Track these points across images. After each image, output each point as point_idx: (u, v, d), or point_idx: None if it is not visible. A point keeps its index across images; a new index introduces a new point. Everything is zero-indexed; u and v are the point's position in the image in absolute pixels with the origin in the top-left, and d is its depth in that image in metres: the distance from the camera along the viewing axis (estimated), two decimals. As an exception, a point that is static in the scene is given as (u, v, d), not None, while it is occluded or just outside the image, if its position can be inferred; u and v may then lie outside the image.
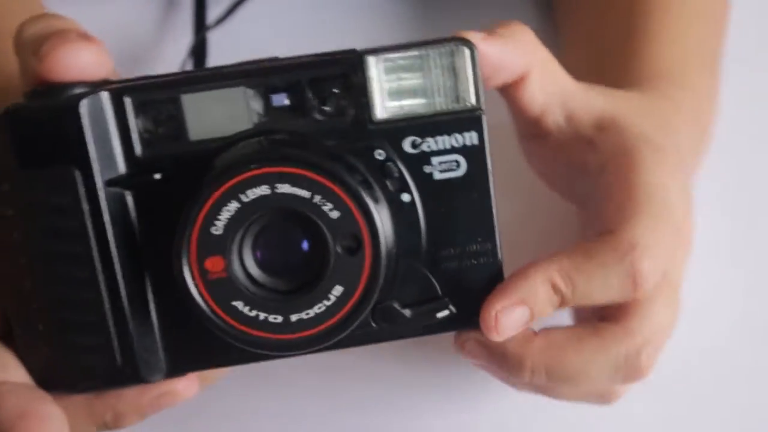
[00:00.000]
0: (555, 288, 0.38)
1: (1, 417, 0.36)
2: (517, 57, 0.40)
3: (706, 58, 0.51)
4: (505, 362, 0.40)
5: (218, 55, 0.58)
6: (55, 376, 0.38)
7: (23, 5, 0.54)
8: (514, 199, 0.44)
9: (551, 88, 0.42)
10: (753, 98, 0.53)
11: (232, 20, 0.59)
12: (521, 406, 0.47)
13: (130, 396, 0.38)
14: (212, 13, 0.59)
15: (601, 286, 0.39)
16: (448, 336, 0.41)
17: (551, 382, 0.40)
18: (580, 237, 0.45)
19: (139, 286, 0.38)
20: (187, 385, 0.39)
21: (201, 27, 0.59)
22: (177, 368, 0.39)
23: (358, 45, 0.38)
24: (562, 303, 0.39)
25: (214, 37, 0.59)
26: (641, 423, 0.45)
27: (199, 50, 0.58)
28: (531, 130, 0.43)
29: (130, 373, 0.38)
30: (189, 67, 0.58)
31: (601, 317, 0.41)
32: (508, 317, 0.38)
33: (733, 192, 0.51)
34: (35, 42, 0.37)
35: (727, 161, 0.52)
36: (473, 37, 0.38)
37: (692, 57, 0.50)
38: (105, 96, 0.36)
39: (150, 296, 0.38)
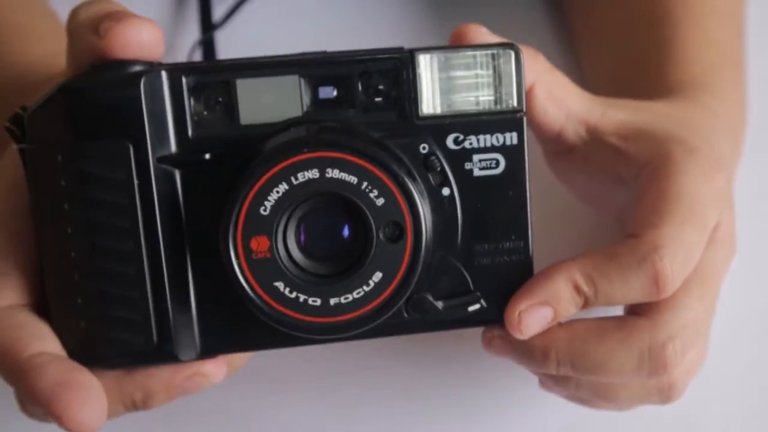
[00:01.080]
0: (577, 289, 0.39)
1: (41, 386, 0.36)
2: None
3: (734, 59, 0.52)
4: (531, 355, 0.40)
5: (227, 55, 0.58)
6: (89, 351, 0.38)
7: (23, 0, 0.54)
8: (545, 200, 0.44)
9: (563, 98, 0.42)
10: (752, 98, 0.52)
11: (239, 18, 0.59)
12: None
13: (162, 375, 0.39)
14: (218, 12, 0.60)
15: (622, 288, 0.40)
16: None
17: (577, 373, 0.41)
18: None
19: (181, 265, 0.38)
20: (217, 367, 0.40)
21: (207, 26, 0.60)
22: (210, 349, 0.39)
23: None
24: (586, 304, 0.40)
25: (221, 36, 0.59)
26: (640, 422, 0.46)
27: (207, 50, 0.59)
28: (555, 146, 0.44)
29: (165, 351, 0.38)
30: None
31: (630, 310, 0.42)
32: (531, 317, 0.39)
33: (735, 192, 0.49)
34: (94, 21, 0.37)
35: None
36: None
37: (721, 60, 0.51)
38: (164, 74, 0.37)
39: (190, 275, 0.38)
